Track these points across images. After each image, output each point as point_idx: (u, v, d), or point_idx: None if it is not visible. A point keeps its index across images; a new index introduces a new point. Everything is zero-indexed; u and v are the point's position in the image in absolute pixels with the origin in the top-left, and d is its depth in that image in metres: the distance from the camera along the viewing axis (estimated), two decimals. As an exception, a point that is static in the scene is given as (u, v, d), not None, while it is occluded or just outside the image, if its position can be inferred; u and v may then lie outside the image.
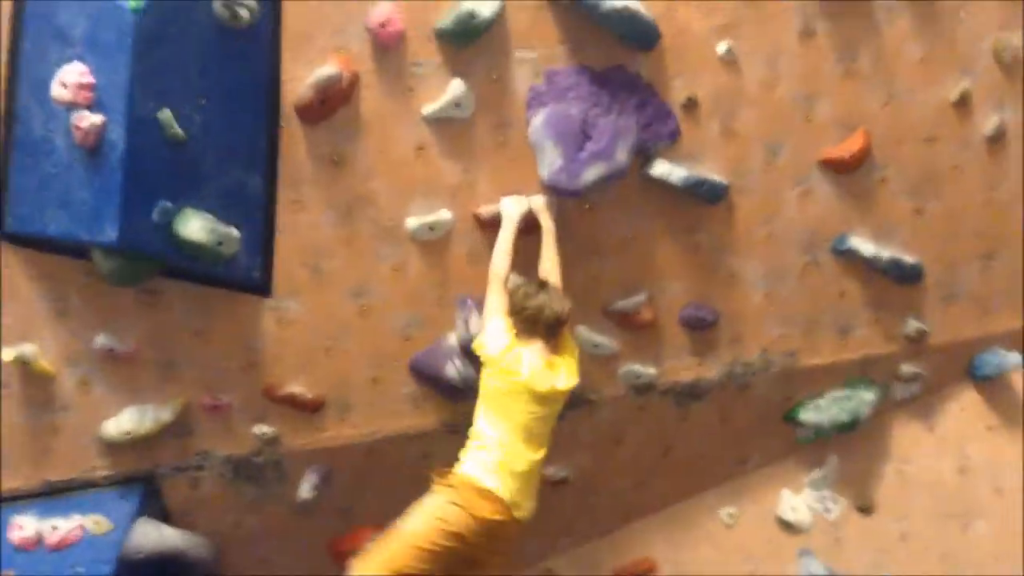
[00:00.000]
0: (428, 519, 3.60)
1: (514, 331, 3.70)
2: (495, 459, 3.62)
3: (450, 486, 3.65)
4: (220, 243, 3.71)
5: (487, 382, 3.72)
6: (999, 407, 4.95)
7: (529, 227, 3.97)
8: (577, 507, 5.00)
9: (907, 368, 4.83)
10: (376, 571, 3.57)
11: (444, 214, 4.10)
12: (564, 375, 3.72)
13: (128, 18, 3.31)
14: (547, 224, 3.97)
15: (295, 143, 3.91)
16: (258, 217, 3.94)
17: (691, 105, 4.07)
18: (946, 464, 5.03)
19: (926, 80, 4.22)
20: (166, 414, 4.22)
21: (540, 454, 3.72)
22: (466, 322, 4.23)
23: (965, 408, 4.99)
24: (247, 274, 4.01)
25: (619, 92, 3.94)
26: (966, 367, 4.91)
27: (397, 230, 4.12)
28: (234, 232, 3.77)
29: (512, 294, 3.76)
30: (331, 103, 3.83)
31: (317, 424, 4.44)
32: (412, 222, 4.10)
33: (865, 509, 5.06)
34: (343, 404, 4.41)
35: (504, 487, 3.61)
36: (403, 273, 4.20)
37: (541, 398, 3.66)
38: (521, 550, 5.01)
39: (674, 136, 4.08)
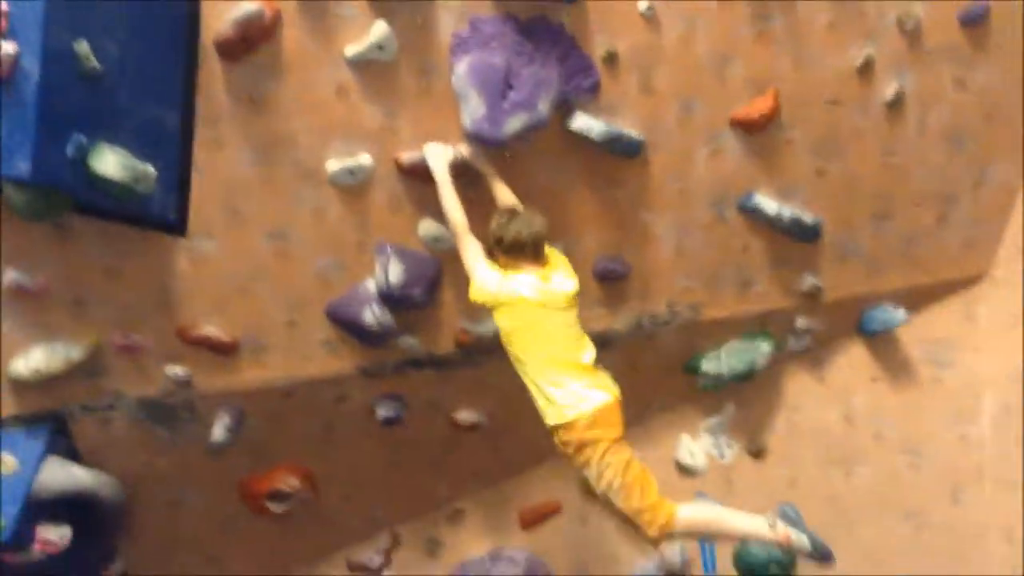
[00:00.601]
0: (615, 480, 3.72)
1: (500, 266, 3.76)
2: (572, 383, 3.71)
3: (582, 446, 3.72)
4: (136, 180, 3.64)
5: (505, 324, 3.74)
6: (883, 360, 5.26)
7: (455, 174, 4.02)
8: (487, 451, 5.14)
9: (801, 322, 5.08)
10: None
11: (365, 158, 4.11)
12: (563, 278, 3.81)
13: (44, -56, 3.20)
14: (485, 169, 4.04)
15: (214, 80, 3.85)
16: (174, 155, 3.88)
17: (611, 59, 4.16)
18: (833, 413, 5.33)
19: (833, 46, 4.40)
20: (77, 353, 4.15)
21: (589, 347, 3.84)
22: (385, 269, 4.27)
23: (852, 361, 5.28)
24: (162, 213, 3.94)
25: (542, 43, 3.99)
26: (855, 322, 5.19)
27: (317, 173, 4.11)
28: (150, 169, 3.69)
29: (490, 230, 3.78)
30: (252, 40, 3.77)
31: (231, 366, 4.43)
32: (332, 165, 4.09)
33: (757, 454, 5.34)
34: (258, 346, 4.42)
35: (601, 392, 3.75)
36: (322, 217, 4.20)
37: (557, 309, 3.73)
38: (432, 491, 5.17)
39: (594, 89, 4.17)
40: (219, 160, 3.99)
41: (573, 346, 3.80)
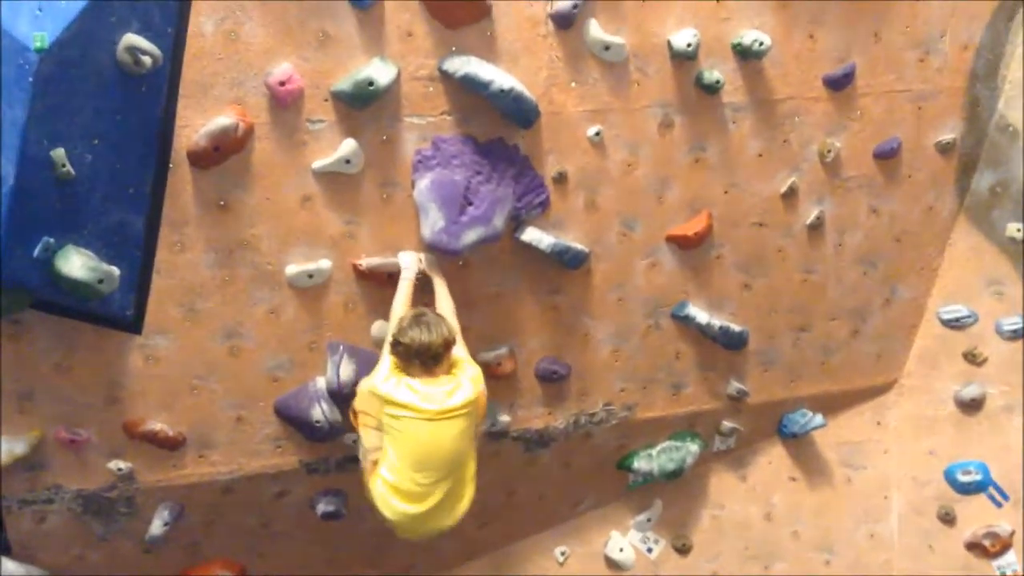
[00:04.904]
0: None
1: (396, 366, 3.84)
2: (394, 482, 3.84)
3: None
4: (100, 281, 3.70)
5: (385, 420, 3.84)
6: (801, 461, 5.58)
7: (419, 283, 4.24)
8: (422, 545, 5.18)
9: (727, 423, 5.37)
10: None
11: (324, 263, 4.25)
12: (453, 390, 3.81)
13: (31, 58, 3.29)
14: (438, 278, 4.24)
15: (183, 186, 3.95)
16: (137, 256, 3.95)
17: (561, 179, 4.43)
18: (754, 510, 5.61)
19: (761, 173, 4.77)
20: (20, 447, 4.12)
21: (449, 477, 3.88)
22: (337, 366, 4.38)
23: (773, 461, 5.59)
24: (120, 312, 4.00)
25: (499, 163, 4.24)
26: (776, 425, 5.51)
27: (276, 275, 4.23)
28: (115, 271, 3.76)
29: (392, 330, 3.87)
30: (224, 151, 3.90)
31: (175, 461, 4.44)
32: (292, 269, 4.21)
33: (682, 549, 5.55)
34: (204, 442, 4.44)
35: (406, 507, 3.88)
36: (277, 317, 4.30)
37: (433, 418, 3.75)
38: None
39: (545, 206, 4.43)
40: (180, 261, 4.06)
41: (435, 458, 3.82)
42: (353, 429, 4.53)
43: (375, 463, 3.93)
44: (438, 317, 3.89)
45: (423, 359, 3.79)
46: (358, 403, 4.07)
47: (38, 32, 3.34)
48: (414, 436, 3.78)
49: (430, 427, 3.77)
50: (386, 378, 3.82)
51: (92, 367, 4.15)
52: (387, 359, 3.90)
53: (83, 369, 4.14)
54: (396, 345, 3.81)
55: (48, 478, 4.31)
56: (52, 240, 3.57)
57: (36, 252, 3.53)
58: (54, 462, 4.28)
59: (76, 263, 3.64)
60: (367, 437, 4.00)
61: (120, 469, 4.36)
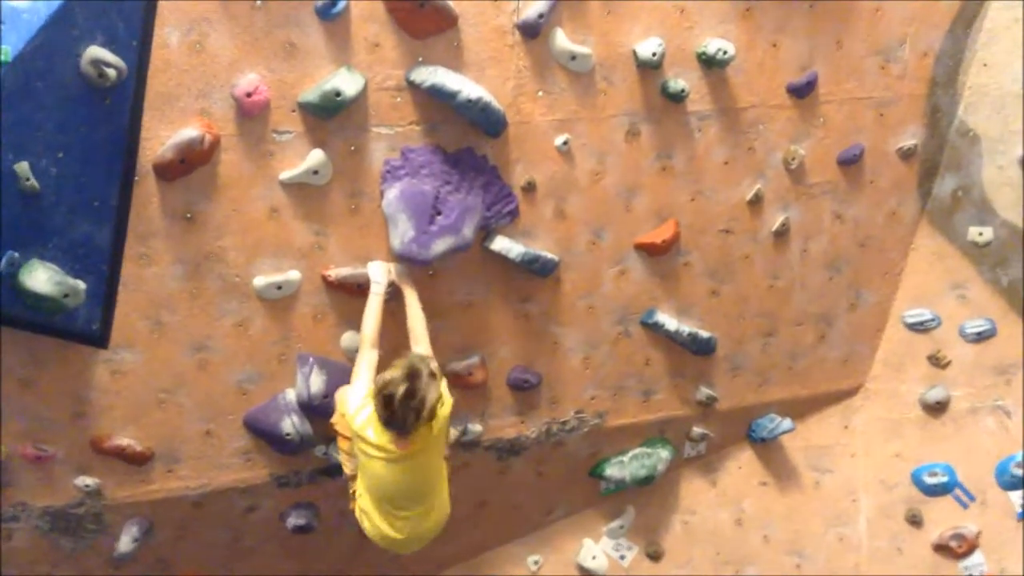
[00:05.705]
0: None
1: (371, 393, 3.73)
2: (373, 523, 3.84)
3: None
4: (66, 295, 3.67)
5: (356, 446, 3.80)
6: (771, 465, 5.63)
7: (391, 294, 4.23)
8: (390, 557, 5.18)
9: (697, 429, 5.40)
10: None
11: (293, 274, 4.23)
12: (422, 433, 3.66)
13: (-6, 70, 3.28)
14: (409, 290, 4.21)
15: (149, 199, 3.92)
16: (103, 270, 3.90)
17: (530, 188, 4.45)
18: (724, 515, 5.64)
19: (727, 180, 4.82)
20: (-15, 465, 4.06)
21: (421, 507, 3.85)
22: (307, 378, 4.36)
23: (743, 466, 5.63)
24: (86, 326, 3.95)
25: (468, 172, 4.25)
26: (745, 430, 5.55)
27: (243, 287, 4.20)
28: (80, 285, 3.73)
29: (377, 383, 3.57)
30: (190, 163, 3.88)
31: (143, 476, 4.40)
32: (260, 280, 4.19)
33: (654, 556, 5.58)
34: (172, 457, 4.40)
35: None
36: (245, 329, 4.28)
37: (399, 459, 3.69)
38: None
39: (514, 215, 4.44)
40: (147, 274, 4.03)
41: (395, 501, 3.79)
42: (326, 440, 4.54)
43: (354, 492, 3.93)
44: (430, 378, 3.53)
45: (400, 430, 3.57)
46: (336, 420, 4.04)
47: (1, 46, 3.31)
48: (382, 475, 3.74)
49: (398, 466, 3.72)
50: (360, 407, 3.74)
51: (58, 382, 4.10)
52: (361, 382, 3.86)
53: (49, 384, 4.09)
54: (376, 396, 3.51)
55: (14, 495, 4.24)
56: (17, 254, 3.54)
57: (1, 267, 3.49)
58: (20, 479, 4.22)
59: (41, 277, 3.61)
60: (344, 462, 4.01)
61: (87, 485, 4.31)
